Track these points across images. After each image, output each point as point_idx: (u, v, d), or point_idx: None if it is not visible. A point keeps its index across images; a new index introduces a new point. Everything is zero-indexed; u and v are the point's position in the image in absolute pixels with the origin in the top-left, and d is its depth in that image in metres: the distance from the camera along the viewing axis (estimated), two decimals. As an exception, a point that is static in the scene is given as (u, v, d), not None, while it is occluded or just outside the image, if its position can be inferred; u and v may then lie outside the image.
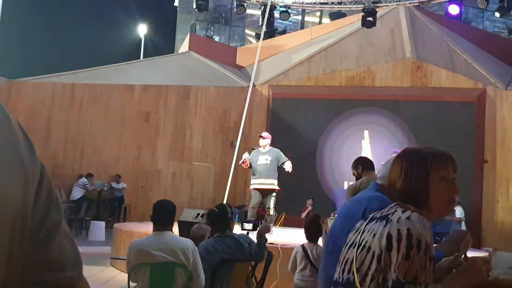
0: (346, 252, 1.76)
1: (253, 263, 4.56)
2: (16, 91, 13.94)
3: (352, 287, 1.67)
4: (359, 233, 1.74)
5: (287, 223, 11.67)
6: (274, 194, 8.58)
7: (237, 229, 5.29)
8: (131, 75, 15.36)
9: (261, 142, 8.76)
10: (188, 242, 3.74)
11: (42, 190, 0.57)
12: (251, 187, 8.74)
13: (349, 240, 1.79)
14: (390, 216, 1.67)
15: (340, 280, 1.74)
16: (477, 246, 12.40)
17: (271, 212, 8.60)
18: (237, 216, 13.25)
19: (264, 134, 9.05)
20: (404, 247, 1.56)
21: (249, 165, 8.73)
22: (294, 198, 12.87)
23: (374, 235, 1.65)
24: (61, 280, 0.58)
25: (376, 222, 1.70)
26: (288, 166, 8.51)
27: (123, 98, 14.75)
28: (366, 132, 14.20)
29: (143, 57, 21.39)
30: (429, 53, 14.94)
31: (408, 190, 1.73)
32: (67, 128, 14.17)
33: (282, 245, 7.00)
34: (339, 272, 1.76)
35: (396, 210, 1.69)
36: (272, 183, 8.55)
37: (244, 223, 8.87)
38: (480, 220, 13.92)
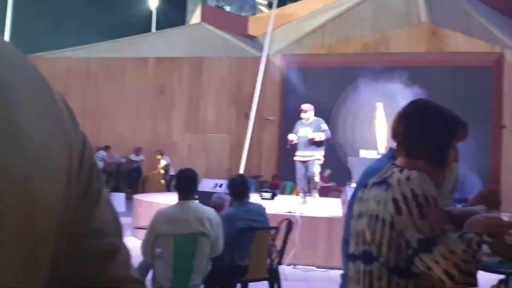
0: (356, 224, 1.72)
1: (273, 231, 4.61)
2: (31, 67, 13.99)
3: (370, 259, 1.64)
4: (363, 202, 1.70)
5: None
6: (317, 162, 8.34)
7: (255, 199, 5.34)
8: (144, 48, 15.33)
9: (304, 115, 8.44)
10: (212, 211, 3.81)
11: (84, 160, 0.58)
12: (294, 158, 8.52)
13: (356, 211, 1.74)
14: (388, 179, 1.62)
15: (357, 253, 1.70)
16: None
17: (316, 179, 8.45)
18: (253, 186, 13.34)
19: (304, 106, 8.55)
20: (414, 208, 1.52)
21: (295, 141, 8.47)
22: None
23: (378, 202, 1.61)
24: (102, 246, 0.60)
25: (377, 188, 1.65)
26: (318, 136, 8.25)
27: (137, 72, 14.76)
28: (379, 105, 14.03)
29: (155, 30, 21.26)
30: (444, 17, 14.65)
31: (431, 147, 1.70)
32: (84, 103, 14.24)
33: (301, 214, 7.06)
34: (354, 245, 1.72)
35: (393, 172, 1.64)
36: (311, 155, 8.33)
37: (262, 193, 8.92)
38: (499, 185, 13.85)
